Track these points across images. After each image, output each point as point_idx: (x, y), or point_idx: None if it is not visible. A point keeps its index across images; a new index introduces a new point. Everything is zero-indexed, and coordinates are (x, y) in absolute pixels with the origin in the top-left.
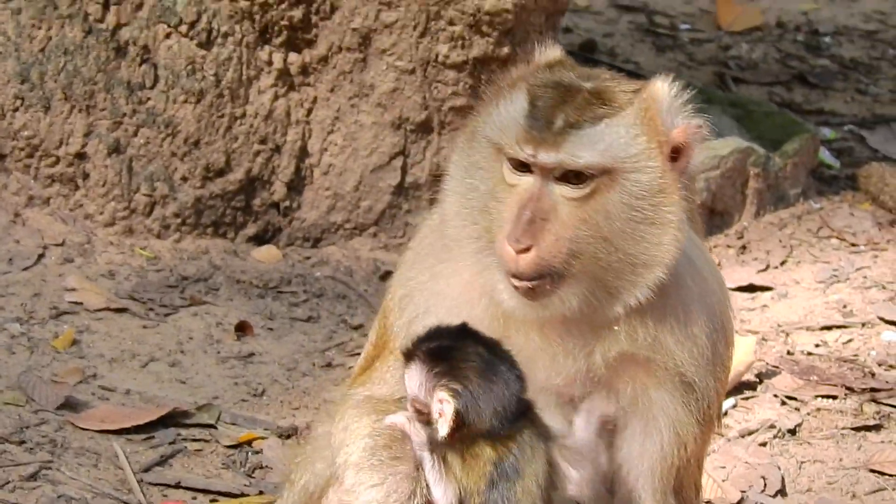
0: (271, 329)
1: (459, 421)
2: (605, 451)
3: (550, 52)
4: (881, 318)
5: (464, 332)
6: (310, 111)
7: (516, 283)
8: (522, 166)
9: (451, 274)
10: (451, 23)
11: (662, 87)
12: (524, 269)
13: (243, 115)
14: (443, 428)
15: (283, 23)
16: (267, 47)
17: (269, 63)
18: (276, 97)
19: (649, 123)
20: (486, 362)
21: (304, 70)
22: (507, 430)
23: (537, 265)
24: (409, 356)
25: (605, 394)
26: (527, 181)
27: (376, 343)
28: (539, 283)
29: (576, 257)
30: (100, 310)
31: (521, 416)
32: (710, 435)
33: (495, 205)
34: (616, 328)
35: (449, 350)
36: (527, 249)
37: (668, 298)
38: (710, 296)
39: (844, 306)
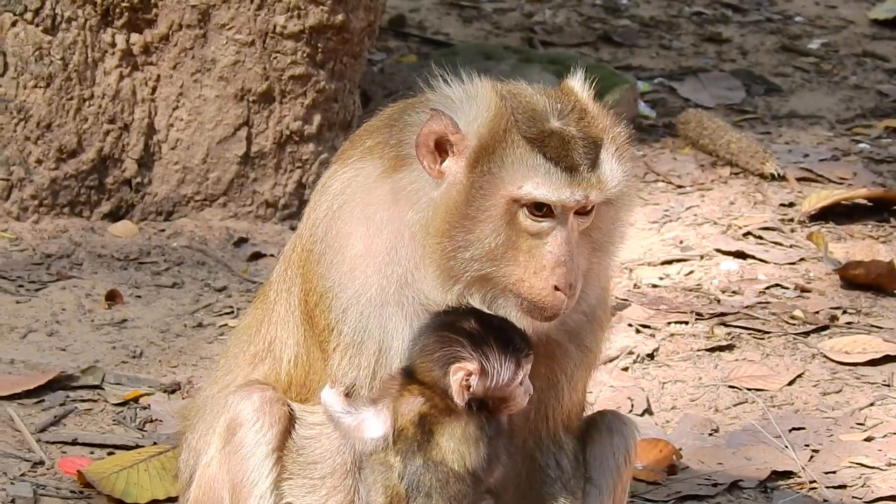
0: (139, 297)
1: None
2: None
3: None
4: (718, 250)
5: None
6: (154, 89)
7: (545, 316)
8: (539, 212)
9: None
10: None
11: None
12: (564, 308)
13: (91, 97)
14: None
15: (123, 4)
16: (109, 29)
17: (113, 45)
18: (121, 77)
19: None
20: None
21: (147, 49)
22: None
23: (572, 302)
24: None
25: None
26: (549, 225)
27: (314, 346)
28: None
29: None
30: None
31: None
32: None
33: (511, 252)
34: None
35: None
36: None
37: None
38: (598, 274)
39: (681, 242)
